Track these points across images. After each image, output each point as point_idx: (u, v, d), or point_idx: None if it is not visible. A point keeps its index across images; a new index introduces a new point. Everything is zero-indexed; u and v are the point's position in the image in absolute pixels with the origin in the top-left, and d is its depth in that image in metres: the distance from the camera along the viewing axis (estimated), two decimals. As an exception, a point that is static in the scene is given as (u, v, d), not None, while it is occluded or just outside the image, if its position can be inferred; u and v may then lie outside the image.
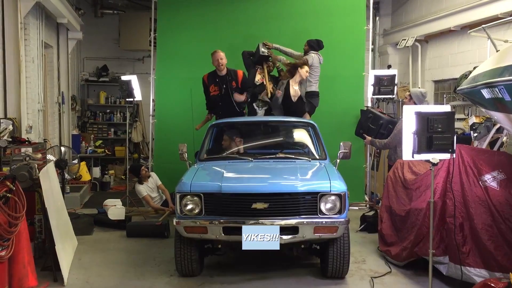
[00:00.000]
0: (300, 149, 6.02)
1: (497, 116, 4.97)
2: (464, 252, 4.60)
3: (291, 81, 7.13)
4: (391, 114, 10.18)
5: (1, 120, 6.31)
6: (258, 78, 7.33)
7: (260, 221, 4.53)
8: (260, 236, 4.48)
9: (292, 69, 7.18)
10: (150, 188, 7.65)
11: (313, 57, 7.46)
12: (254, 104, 7.11)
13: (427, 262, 4.49)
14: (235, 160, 5.57)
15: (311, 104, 7.39)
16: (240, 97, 6.96)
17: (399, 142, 6.19)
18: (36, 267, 4.64)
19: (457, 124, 7.69)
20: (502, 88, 4.30)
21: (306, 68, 7.13)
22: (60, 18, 9.13)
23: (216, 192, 4.63)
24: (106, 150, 11.10)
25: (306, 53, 7.64)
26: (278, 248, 4.52)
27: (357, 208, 7.92)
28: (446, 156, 4.31)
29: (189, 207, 4.69)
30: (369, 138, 7.07)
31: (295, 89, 7.12)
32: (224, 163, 5.44)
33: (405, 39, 10.74)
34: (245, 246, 4.51)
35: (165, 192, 7.72)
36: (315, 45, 7.60)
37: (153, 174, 7.84)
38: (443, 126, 4.21)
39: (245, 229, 4.50)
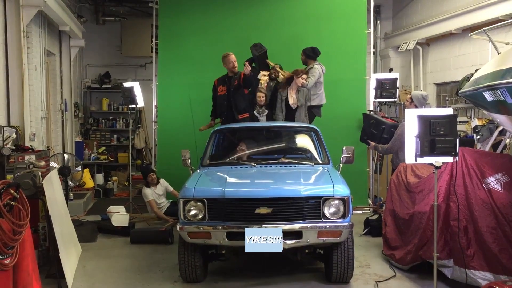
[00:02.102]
0: (303, 154, 6.02)
1: (500, 118, 4.97)
2: (468, 255, 4.58)
3: (289, 90, 7.18)
4: (394, 118, 10.17)
5: (5, 128, 6.33)
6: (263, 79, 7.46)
7: (264, 226, 4.53)
8: (263, 238, 4.47)
9: (289, 79, 7.22)
10: (157, 194, 7.62)
11: (317, 68, 7.48)
12: (254, 111, 7.15)
13: (431, 266, 4.48)
14: (238, 165, 5.57)
15: (312, 114, 7.42)
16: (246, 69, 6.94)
17: (400, 147, 6.19)
18: (41, 275, 4.64)
19: (460, 127, 7.66)
20: (504, 91, 4.30)
21: (304, 76, 7.18)
22: (62, 26, 9.18)
23: (219, 197, 4.63)
24: (109, 157, 11.12)
25: (304, 63, 7.66)
26: (281, 250, 4.51)
27: (360, 212, 7.91)
28: (449, 159, 4.30)
29: (193, 212, 4.69)
30: (372, 143, 7.07)
31: (293, 97, 7.17)
32: (227, 169, 5.44)
33: (406, 42, 10.76)
34: (248, 248, 4.50)
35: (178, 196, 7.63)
36: (311, 54, 7.63)
37: (162, 181, 7.78)
38: (445, 129, 4.21)
39: (248, 231, 4.49)
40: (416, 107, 6.48)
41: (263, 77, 7.55)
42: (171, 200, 7.78)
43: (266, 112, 7.03)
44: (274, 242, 4.47)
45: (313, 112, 7.49)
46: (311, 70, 7.48)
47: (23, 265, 4.12)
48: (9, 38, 6.84)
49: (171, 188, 7.78)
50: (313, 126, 6.40)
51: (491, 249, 4.51)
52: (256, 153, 6.03)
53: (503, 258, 4.47)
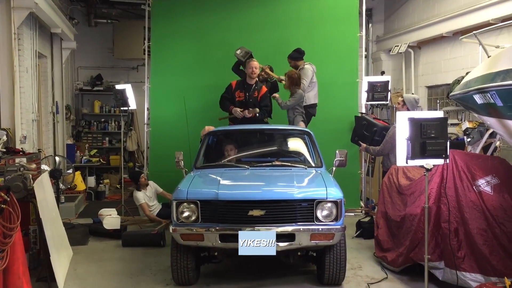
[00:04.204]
0: (296, 157, 6.03)
1: (490, 121, 5.01)
2: (459, 257, 4.61)
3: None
4: (386, 120, 10.23)
5: (-5, 131, 6.30)
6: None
7: (257, 228, 4.53)
8: (257, 242, 4.48)
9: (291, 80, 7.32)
10: (148, 196, 7.61)
11: (308, 68, 7.51)
12: (246, 111, 7.18)
13: (423, 268, 4.51)
14: (231, 167, 5.57)
15: (308, 113, 7.44)
16: (247, 113, 6.95)
17: (391, 149, 6.23)
18: (31, 278, 4.61)
19: (450, 130, 7.73)
20: (494, 94, 4.34)
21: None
22: (54, 28, 9.14)
23: (212, 199, 4.63)
24: (101, 159, 11.07)
25: (295, 67, 7.69)
26: (274, 253, 4.52)
27: (352, 214, 7.93)
28: (439, 161, 4.34)
29: (186, 214, 4.68)
30: (364, 145, 7.08)
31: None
32: (220, 171, 5.44)
33: (398, 46, 10.83)
34: (242, 251, 4.50)
35: (169, 196, 7.62)
36: (297, 55, 7.70)
37: (151, 183, 7.79)
38: (436, 132, 4.24)
39: (242, 234, 4.49)
40: (408, 109, 6.52)
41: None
42: (162, 203, 7.77)
43: (258, 110, 7.05)
44: (267, 245, 4.48)
45: (310, 111, 7.52)
46: (302, 72, 7.51)
47: (14, 268, 4.09)
48: (0, 40, 6.81)
49: (160, 189, 7.77)
50: (307, 129, 6.42)
51: (481, 251, 4.55)
52: (249, 155, 6.03)
53: (494, 260, 4.50)
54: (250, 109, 6.97)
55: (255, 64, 7.09)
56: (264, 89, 7.22)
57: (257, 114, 6.98)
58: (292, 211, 4.60)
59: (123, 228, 7.00)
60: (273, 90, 7.71)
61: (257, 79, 7.24)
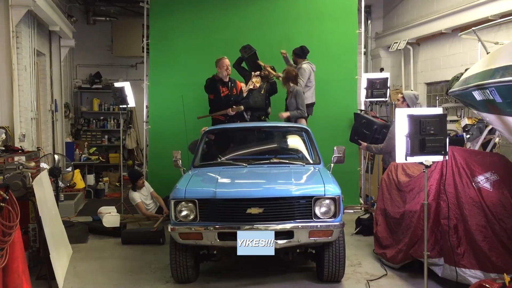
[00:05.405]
0: (294, 154, 6.03)
1: (489, 117, 5.01)
2: (458, 254, 4.62)
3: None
4: (384, 117, 10.22)
5: (-6, 129, 6.29)
6: (254, 80, 7.57)
7: (255, 226, 4.53)
8: (255, 241, 4.49)
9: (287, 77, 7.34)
10: (144, 195, 7.64)
11: (306, 68, 7.49)
12: (244, 112, 7.19)
13: (422, 264, 4.51)
14: (229, 166, 5.56)
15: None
16: (230, 111, 7.04)
17: (394, 147, 6.21)
18: (31, 276, 4.61)
19: (450, 126, 7.72)
20: (493, 90, 4.33)
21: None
22: (52, 25, 9.12)
23: (210, 198, 4.63)
24: (100, 157, 11.07)
25: (295, 62, 7.70)
26: (273, 253, 4.53)
27: (352, 211, 7.95)
28: (439, 158, 4.34)
29: (184, 213, 4.68)
30: (364, 144, 7.02)
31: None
32: (218, 169, 5.43)
33: (397, 42, 10.81)
34: (240, 251, 4.51)
35: (158, 199, 7.72)
36: (300, 53, 7.70)
37: (146, 182, 7.84)
38: (435, 128, 4.24)
39: (240, 234, 4.50)
40: (408, 106, 6.51)
41: (255, 78, 7.58)
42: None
43: (242, 108, 7.10)
44: (266, 245, 4.49)
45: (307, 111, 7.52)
46: (300, 71, 7.50)
47: (13, 266, 4.09)
48: (-2, 38, 6.80)
49: (151, 189, 7.80)
50: (304, 126, 6.41)
51: (481, 247, 4.55)
52: (247, 153, 6.03)
53: (493, 256, 4.51)
54: (234, 106, 7.02)
55: (228, 62, 7.20)
56: (239, 84, 7.33)
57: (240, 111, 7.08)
58: (291, 209, 4.61)
59: (123, 226, 7.00)
60: (272, 91, 7.71)
61: (230, 76, 7.31)
